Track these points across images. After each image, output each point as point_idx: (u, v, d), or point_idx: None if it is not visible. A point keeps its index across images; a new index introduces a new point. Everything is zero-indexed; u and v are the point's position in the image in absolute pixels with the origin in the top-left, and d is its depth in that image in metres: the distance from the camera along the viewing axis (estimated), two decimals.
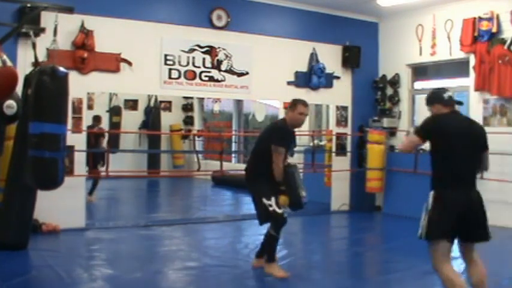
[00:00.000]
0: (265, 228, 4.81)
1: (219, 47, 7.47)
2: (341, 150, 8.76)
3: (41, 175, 4.81)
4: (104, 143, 9.39)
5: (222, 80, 7.51)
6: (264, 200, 4.61)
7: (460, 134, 3.47)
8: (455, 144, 3.44)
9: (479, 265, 3.50)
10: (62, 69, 4.90)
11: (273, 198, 4.61)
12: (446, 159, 3.46)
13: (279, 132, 4.76)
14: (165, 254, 5.72)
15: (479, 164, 3.61)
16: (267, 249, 4.76)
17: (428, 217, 3.39)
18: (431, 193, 3.46)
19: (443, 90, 3.73)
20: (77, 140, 6.48)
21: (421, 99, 8.74)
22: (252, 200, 4.82)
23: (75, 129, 6.50)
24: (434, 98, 3.68)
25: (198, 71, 7.32)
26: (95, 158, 8.41)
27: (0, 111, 5.12)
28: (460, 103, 3.89)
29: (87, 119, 7.29)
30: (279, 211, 4.61)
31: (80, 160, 6.62)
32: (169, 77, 7.13)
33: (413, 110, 8.78)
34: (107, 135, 10.30)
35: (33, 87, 4.75)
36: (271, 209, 4.59)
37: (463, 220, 3.37)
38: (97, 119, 9.52)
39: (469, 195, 3.42)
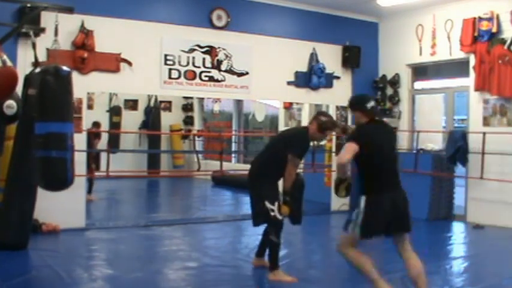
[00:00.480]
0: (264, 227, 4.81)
1: (219, 47, 7.47)
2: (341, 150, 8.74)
3: (50, 175, 4.72)
4: (98, 145, 9.44)
5: (222, 80, 7.51)
6: (268, 204, 4.53)
7: (381, 142, 3.73)
8: (378, 152, 3.69)
9: (414, 257, 3.71)
10: (65, 68, 4.88)
11: (276, 204, 4.55)
12: (372, 167, 3.70)
13: (301, 143, 4.65)
14: (165, 254, 5.72)
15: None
16: (270, 257, 4.65)
17: (364, 219, 3.63)
18: (363, 198, 3.69)
19: (367, 99, 3.88)
20: (76, 140, 6.45)
21: (421, 99, 8.76)
22: (250, 199, 4.77)
23: (75, 129, 6.48)
24: (358, 104, 3.88)
25: (198, 71, 7.32)
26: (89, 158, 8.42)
27: (0, 111, 5.12)
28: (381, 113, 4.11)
29: (87, 120, 7.28)
30: (280, 217, 4.56)
31: (80, 160, 6.61)
32: (169, 77, 7.13)
33: (413, 110, 8.77)
34: (103, 137, 10.33)
35: (37, 88, 4.72)
36: (272, 214, 4.52)
37: (392, 217, 3.66)
38: (96, 124, 9.61)
39: (395, 197, 3.69)
